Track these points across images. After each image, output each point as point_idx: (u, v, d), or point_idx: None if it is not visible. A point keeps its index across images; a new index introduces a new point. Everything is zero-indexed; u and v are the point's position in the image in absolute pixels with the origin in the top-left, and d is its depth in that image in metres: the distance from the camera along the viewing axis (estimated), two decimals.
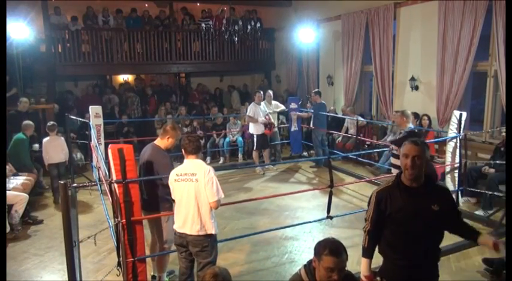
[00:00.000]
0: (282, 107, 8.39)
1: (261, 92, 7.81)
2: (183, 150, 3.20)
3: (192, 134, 3.36)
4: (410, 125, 5.02)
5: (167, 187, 3.33)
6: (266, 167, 7.86)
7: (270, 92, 8.42)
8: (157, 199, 3.61)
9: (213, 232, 3.15)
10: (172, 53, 10.75)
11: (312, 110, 8.32)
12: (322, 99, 8.30)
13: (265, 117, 7.59)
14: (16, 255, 4.60)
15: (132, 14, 10.51)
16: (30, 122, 6.36)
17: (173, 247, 4.30)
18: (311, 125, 8.38)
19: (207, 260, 3.13)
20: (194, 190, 3.06)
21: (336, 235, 4.99)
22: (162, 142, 3.68)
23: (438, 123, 6.98)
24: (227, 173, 7.76)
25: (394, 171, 5.11)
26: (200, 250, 3.13)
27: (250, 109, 7.56)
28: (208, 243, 3.14)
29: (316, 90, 8.58)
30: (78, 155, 7.94)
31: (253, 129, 7.64)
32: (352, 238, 4.90)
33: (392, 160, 5.17)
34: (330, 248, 2.18)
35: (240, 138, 8.91)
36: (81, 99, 10.14)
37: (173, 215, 3.33)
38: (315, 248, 2.22)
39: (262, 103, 7.72)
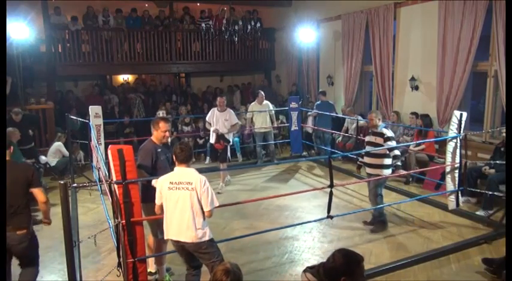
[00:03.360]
0: (271, 107, 8.32)
1: (224, 97, 7.02)
2: (174, 157, 3.23)
3: (183, 142, 3.35)
4: (382, 123, 5.05)
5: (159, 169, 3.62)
6: (226, 180, 7.03)
7: (262, 92, 8.33)
8: (150, 188, 3.61)
9: (207, 239, 3.17)
10: (172, 53, 10.75)
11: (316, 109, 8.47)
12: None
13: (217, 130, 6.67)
14: None
15: (132, 14, 10.51)
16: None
17: (170, 246, 4.32)
18: (313, 124, 8.53)
19: (212, 261, 3.15)
20: (190, 199, 3.08)
21: (337, 235, 4.99)
22: (153, 136, 3.88)
23: (438, 123, 6.99)
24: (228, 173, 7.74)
25: (370, 159, 5.05)
26: (201, 253, 3.17)
27: (209, 114, 6.85)
28: (206, 245, 3.16)
29: (321, 90, 8.72)
30: (80, 154, 7.95)
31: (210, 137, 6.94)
32: (353, 238, 4.91)
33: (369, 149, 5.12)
34: (359, 258, 2.10)
35: (237, 139, 8.89)
36: (84, 100, 10.12)
37: None
38: (345, 271, 2.04)
39: (228, 111, 6.80)
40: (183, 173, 3.16)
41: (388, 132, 4.93)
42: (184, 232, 3.10)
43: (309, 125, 8.82)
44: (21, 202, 3.32)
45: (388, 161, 4.94)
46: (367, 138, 5.27)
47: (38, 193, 3.40)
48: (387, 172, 4.99)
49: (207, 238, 3.16)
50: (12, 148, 3.72)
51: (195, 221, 3.09)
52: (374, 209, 5.07)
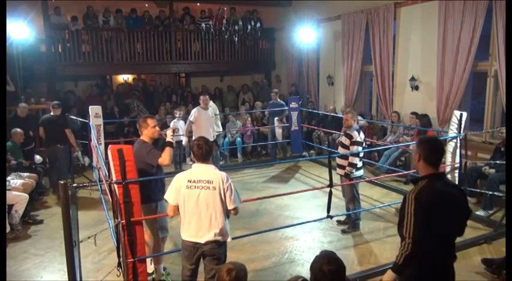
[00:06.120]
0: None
1: (207, 96, 7.10)
2: (192, 155, 3.13)
3: (202, 138, 3.21)
4: (356, 126, 4.95)
5: (158, 168, 3.69)
6: None
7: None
8: (149, 189, 3.64)
9: (228, 240, 3.09)
10: (172, 53, 10.75)
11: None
12: (321, 99, 8.38)
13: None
14: (16, 255, 4.61)
15: (132, 14, 10.51)
16: (18, 130, 6.35)
17: (168, 246, 4.31)
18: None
19: (218, 267, 3.08)
20: (212, 198, 2.95)
21: (336, 235, 5.00)
22: (143, 136, 3.85)
23: (438, 124, 6.98)
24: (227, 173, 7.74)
25: (340, 161, 4.97)
26: (215, 258, 3.07)
27: (193, 114, 6.85)
28: (222, 250, 3.09)
29: (276, 90, 8.95)
30: (79, 153, 7.95)
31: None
32: (352, 238, 4.91)
33: (340, 150, 5.04)
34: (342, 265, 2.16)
35: (239, 139, 8.92)
36: (85, 100, 10.10)
37: (164, 203, 3.36)
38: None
39: (211, 108, 7.00)
40: (203, 171, 3.01)
41: (357, 137, 4.80)
42: (206, 233, 2.98)
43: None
44: (61, 134, 6.56)
45: (357, 163, 4.85)
46: (340, 139, 5.19)
47: (67, 132, 6.64)
48: (357, 173, 4.90)
49: (224, 239, 3.05)
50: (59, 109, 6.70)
51: (218, 222, 2.97)
52: (351, 211, 5.03)
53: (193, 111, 6.90)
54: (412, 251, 2.20)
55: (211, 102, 7.53)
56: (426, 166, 2.33)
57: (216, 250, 3.03)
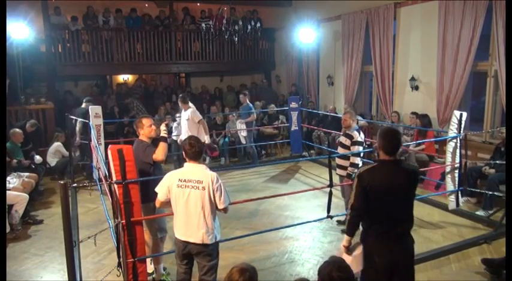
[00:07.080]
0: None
1: (185, 97, 6.42)
2: (183, 153, 3.11)
3: (193, 137, 3.22)
4: (356, 126, 4.94)
5: (156, 167, 3.73)
6: None
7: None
8: (147, 188, 3.60)
9: (217, 239, 3.09)
10: (172, 53, 10.75)
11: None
12: (321, 99, 8.33)
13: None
14: (16, 255, 4.61)
15: (132, 14, 10.52)
16: (17, 130, 6.38)
17: (168, 246, 4.31)
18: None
19: (212, 263, 3.08)
20: (201, 198, 2.96)
21: (337, 235, 4.99)
22: (141, 136, 3.89)
23: (438, 123, 6.99)
24: (227, 173, 7.76)
25: (340, 161, 4.98)
26: (206, 255, 3.07)
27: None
28: (213, 247, 3.09)
29: (245, 92, 8.81)
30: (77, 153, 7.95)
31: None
32: (354, 238, 4.90)
33: (340, 150, 5.04)
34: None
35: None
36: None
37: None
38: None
39: (190, 110, 6.29)
40: (193, 171, 3.02)
41: (358, 137, 4.79)
42: (194, 233, 2.99)
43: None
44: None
45: (359, 163, 4.82)
46: (339, 139, 5.18)
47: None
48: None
49: (213, 241, 3.04)
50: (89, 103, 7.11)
51: (206, 222, 2.98)
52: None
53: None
54: (351, 217, 2.75)
55: (191, 106, 6.50)
56: (383, 154, 2.70)
57: (206, 247, 3.04)
